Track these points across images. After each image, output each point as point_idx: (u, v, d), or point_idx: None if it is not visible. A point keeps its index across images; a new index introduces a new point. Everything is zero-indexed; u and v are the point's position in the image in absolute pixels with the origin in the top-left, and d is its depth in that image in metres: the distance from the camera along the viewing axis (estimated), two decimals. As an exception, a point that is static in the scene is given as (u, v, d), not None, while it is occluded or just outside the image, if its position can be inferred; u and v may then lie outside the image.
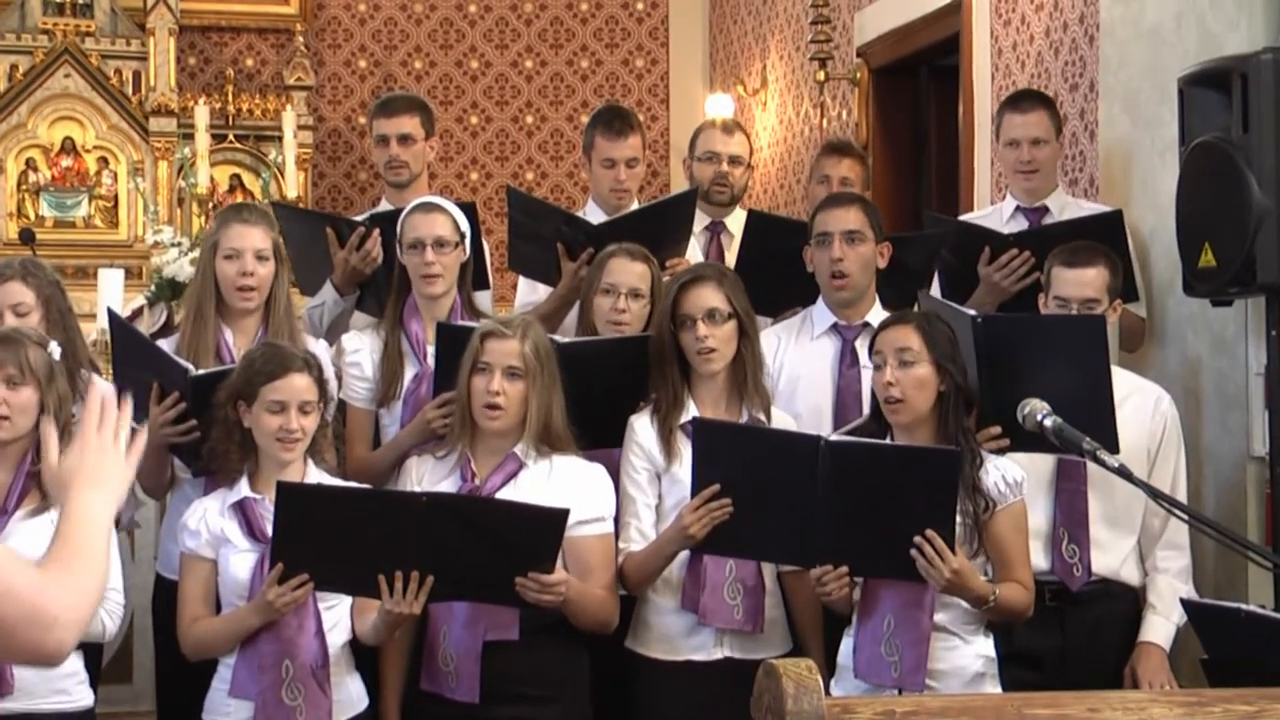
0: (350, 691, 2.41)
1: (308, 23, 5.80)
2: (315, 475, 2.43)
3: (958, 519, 2.26)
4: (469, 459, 2.46)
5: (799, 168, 5.09)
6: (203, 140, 5.22)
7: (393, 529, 2.26)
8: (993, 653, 2.35)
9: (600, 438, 2.57)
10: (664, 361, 2.55)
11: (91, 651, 2.47)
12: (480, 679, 2.36)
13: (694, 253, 3.24)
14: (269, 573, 2.28)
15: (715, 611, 2.46)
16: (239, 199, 5.31)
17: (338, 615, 2.38)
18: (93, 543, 1.41)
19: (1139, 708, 1.60)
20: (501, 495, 2.40)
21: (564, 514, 2.28)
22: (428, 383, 2.73)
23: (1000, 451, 2.40)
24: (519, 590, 2.29)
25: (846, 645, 2.35)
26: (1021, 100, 3.17)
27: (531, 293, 3.17)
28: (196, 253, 3.37)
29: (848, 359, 2.78)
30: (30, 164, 5.34)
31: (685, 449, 2.46)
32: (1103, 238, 2.74)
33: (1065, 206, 3.13)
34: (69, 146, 5.36)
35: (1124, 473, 2.10)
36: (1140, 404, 2.63)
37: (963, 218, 3.42)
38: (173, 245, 4.60)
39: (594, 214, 3.24)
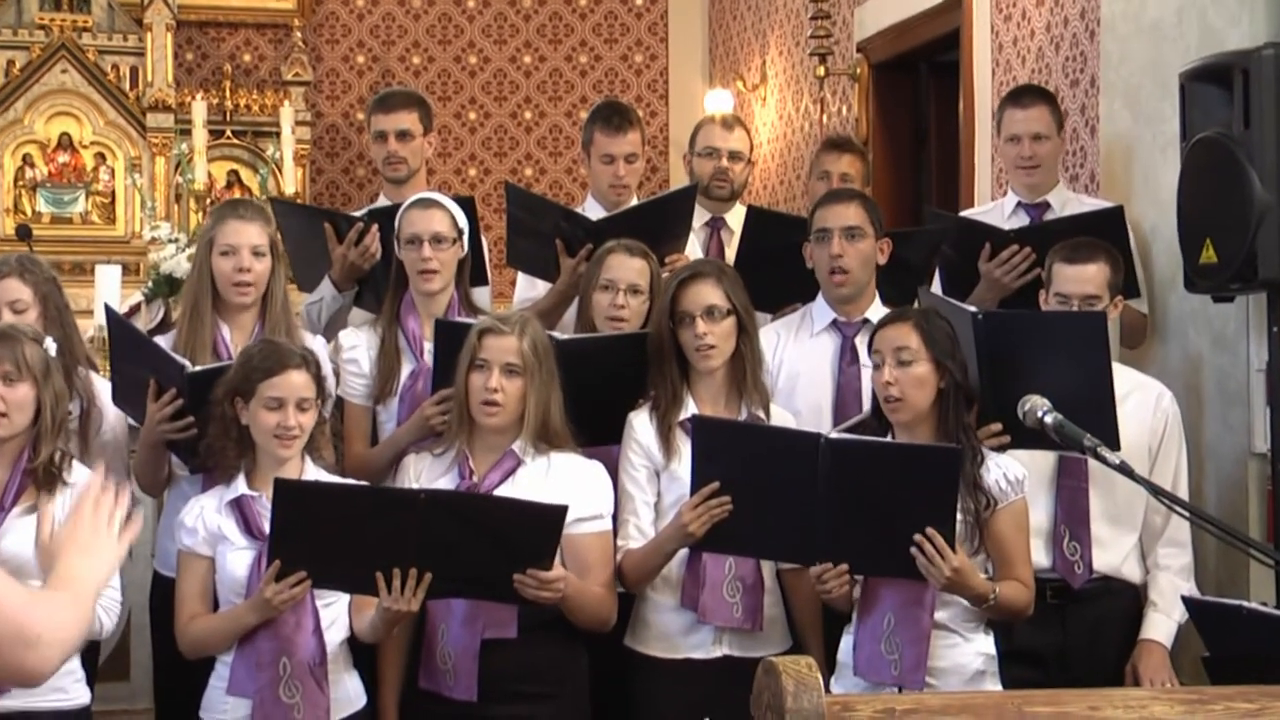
0: (348, 689, 2.40)
1: (305, 18, 5.79)
2: (313, 472, 2.42)
3: (958, 517, 2.25)
4: (467, 456, 2.45)
5: (799, 163, 5.08)
6: (200, 136, 5.21)
7: (391, 526, 2.26)
8: (993, 650, 2.34)
9: (599, 435, 2.56)
10: (663, 358, 2.54)
11: (88, 649, 2.46)
12: (478, 677, 2.35)
13: (694, 249, 3.23)
14: (266, 570, 2.27)
15: (714, 609, 2.45)
16: (237, 195, 5.30)
17: (335, 613, 2.38)
18: (79, 590, 1.42)
19: (1140, 705, 1.59)
20: (499, 492, 2.39)
21: (563, 510, 2.27)
22: (424, 379, 2.72)
23: (1001, 448, 2.39)
24: (517, 587, 2.28)
25: (846, 643, 2.35)
26: (1023, 96, 3.16)
27: (530, 289, 3.16)
28: (194, 249, 3.36)
29: (847, 356, 2.77)
30: (27, 160, 5.33)
31: (684, 446, 2.46)
32: (1104, 234, 2.73)
33: (1067, 202, 3.12)
34: (66, 142, 5.35)
35: (1125, 470, 2.09)
36: (1141, 401, 2.62)
37: (964, 213, 3.41)
38: (170, 241, 4.59)
39: (593, 210, 3.23)
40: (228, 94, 5.52)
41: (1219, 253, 2.61)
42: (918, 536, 2.19)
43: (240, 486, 2.40)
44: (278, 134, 5.35)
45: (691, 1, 6.05)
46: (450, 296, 2.81)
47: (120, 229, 5.38)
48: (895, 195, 4.45)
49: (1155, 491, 2.14)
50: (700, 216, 3.44)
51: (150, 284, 4.53)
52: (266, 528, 2.31)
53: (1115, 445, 2.26)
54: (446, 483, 2.43)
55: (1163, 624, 2.58)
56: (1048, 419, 2.21)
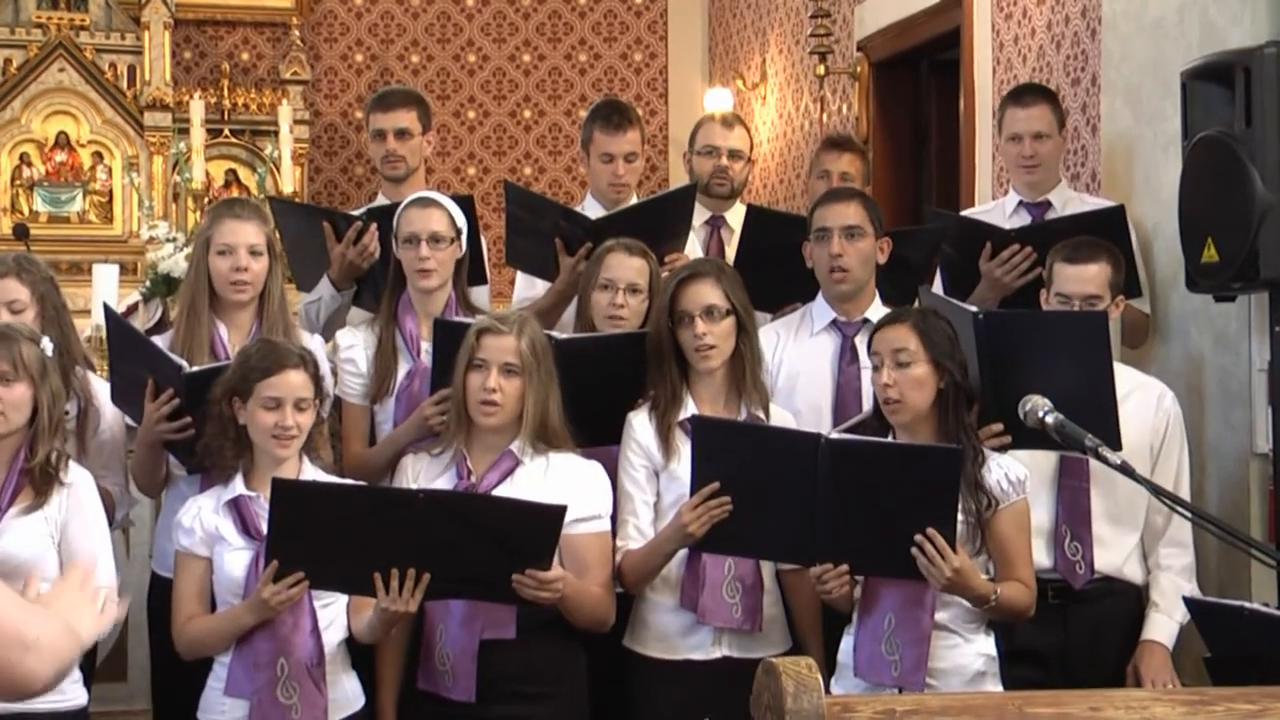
0: (346, 690, 2.40)
1: (304, 16, 5.78)
2: (311, 472, 2.42)
3: (959, 517, 2.24)
4: (465, 456, 2.44)
5: (799, 163, 5.07)
6: (198, 135, 5.20)
7: (389, 526, 2.25)
8: (994, 651, 2.33)
9: (598, 435, 2.55)
10: (662, 358, 2.54)
11: (86, 650, 2.44)
12: (477, 677, 2.34)
13: (694, 248, 3.22)
14: (264, 571, 2.26)
15: (713, 610, 2.45)
16: (235, 194, 5.29)
17: (333, 613, 2.37)
18: (70, 621, 1.42)
19: (1141, 706, 1.58)
20: (498, 493, 2.38)
21: (561, 510, 2.27)
22: (420, 379, 2.71)
23: (1002, 449, 2.38)
24: (516, 587, 2.27)
25: (847, 644, 2.34)
26: (1024, 94, 3.15)
27: (529, 288, 3.15)
28: (191, 248, 3.35)
29: (847, 355, 2.77)
30: (24, 159, 5.32)
31: (684, 446, 2.45)
32: (1105, 233, 2.73)
33: (1068, 201, 3.12)
34: (63, 141, 5.34)
35: (1126, 470, 2.08)
36: (1143, 400, 2.62)
37: (965, 213, 3.41)
38: (168, 241, 4.58)
39: (592, 209, 3.22)
40: (226, 93, 5.51)
41: (1220, 252, 2.61)
42: (918, 537, 2.18)
43: (238, 487, 2.39)
44: (276, 133, 5.34)
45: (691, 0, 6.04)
46: (448, 296, 2.80)
47: (118, 228, 5.37)
48: (896, 194, 4.44)
49: (1157, 491, 2.13)
50: (700, 215, 3.43)
51: (148, 283, 4.53)
52: (264, 528, 2.30)
53: (1117, 445, 2.25)
54: (444, 483, 2.43)
55: (1164, 624, 2.57)
56: (1049, 419, 2.20)
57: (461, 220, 2.82)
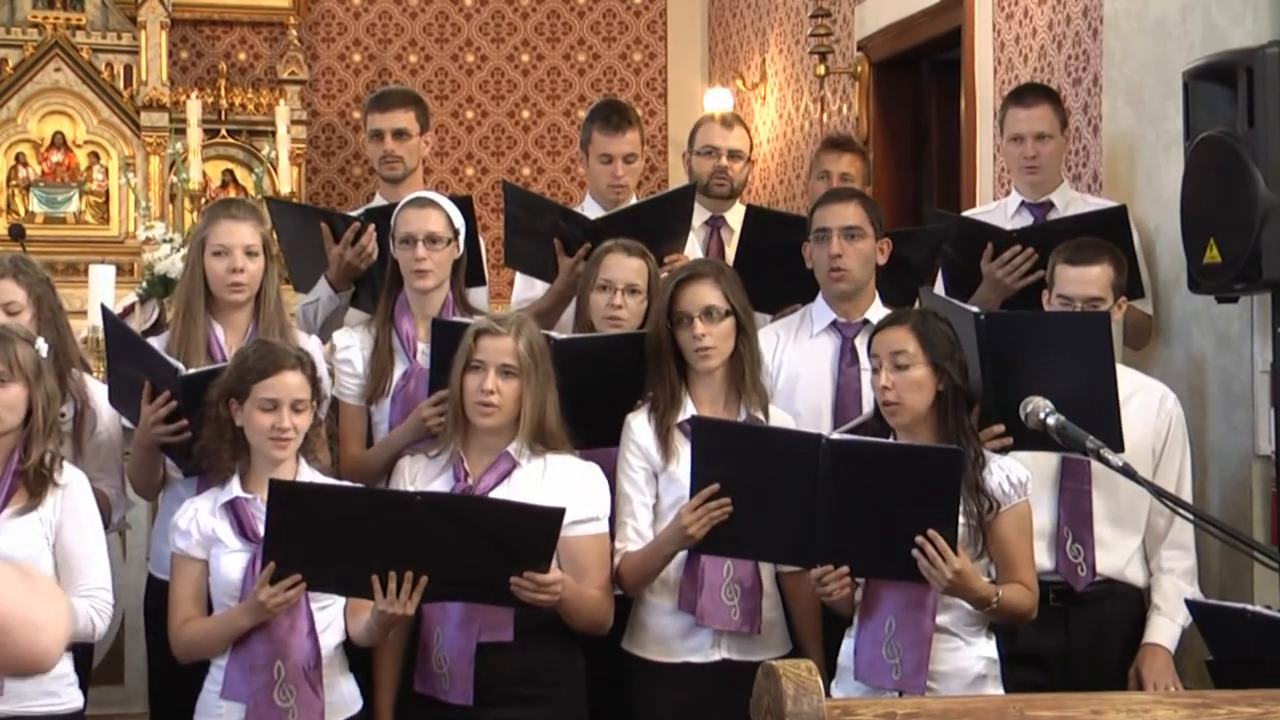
0: (343, 693, 2.38)
1: (301, 16, 5.77)
2: (308, 474, 2.40)
3: (961, 520, 2.23)
4: (462, 458, 2.43)
5: (799, 163, 5.06)
6: (195, 135, 5.19)
7: (386, 528, 2.24)
8: (995, 654, 2.33)
9: (597, 436, 2.54)
10: (661, 359, 2.53)
11: (82, 653, 2.45)
12: (474, 680, 2.33)
13: (694, 248, 3.22)
14: (261, 573, 2.24)
15: (712, 613, 2.44)
16: (232, 194, 5.28)
17: (331, 616, 2.36)
18: (65, 599, 1.43)
19: (1143, 709, 1.58)
20: (495, 495, 2.37)
21: (560, 513, 2.25)
22: (416, 380, 2.70)
23: (1004, 450, 2.37)
24: (514, 590, 2.26)
25: (847, 646, 2.33)
26: (1026, 94, 3.14)
27: (528, 289, 3.14)
28: (187, 249, 3.34)
29: (847, 357, 2.76)
30: (20, 159, 5.31)
31: (683, 448, 2.44)
32: (1107, 233, 2.72)
33: (1070, 202, 3.11)
34: (59, 141, 5.33)
35: (1128, 472, 2.07)
36: (1145, 402, 2.61)
37: (967, 213, 3.40)
38: (164, 241, 4.57)
39: (591, 209, 3.20)
40: (223, 93, 5.50)
41: (1223, 253, 2.60)
42: (919, 538, 2.17)
43: (235, 489, 2.38)
44: (273, 133, 5.33)
45: (691, -1, 6.04)
46: (445, 297, 2.79)
47: (114, 229, 5.36)
48: (896, 195, 4.43)
49: (1158, 494, 2.12)
50: (700, 215, 3.42)
51: (144, 284, 4.52)
52: (261, 530, 2.29)
53: (1119, 447, 2.24)
54: (441, 485, 2.41)
55: (1166, 627, 2.56)
56: (1050, 421, 2.19)
57: (459, 221, 2.81)
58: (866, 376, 2.55)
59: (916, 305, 2.72)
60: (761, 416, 2.53)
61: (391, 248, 2.81)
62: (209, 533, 2.36)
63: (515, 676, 2.36)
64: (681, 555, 2.43)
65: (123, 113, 5.33)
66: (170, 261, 4.37)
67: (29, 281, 2.66)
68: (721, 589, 2.43)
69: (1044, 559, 2.51)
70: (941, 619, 2.26)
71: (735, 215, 3.42)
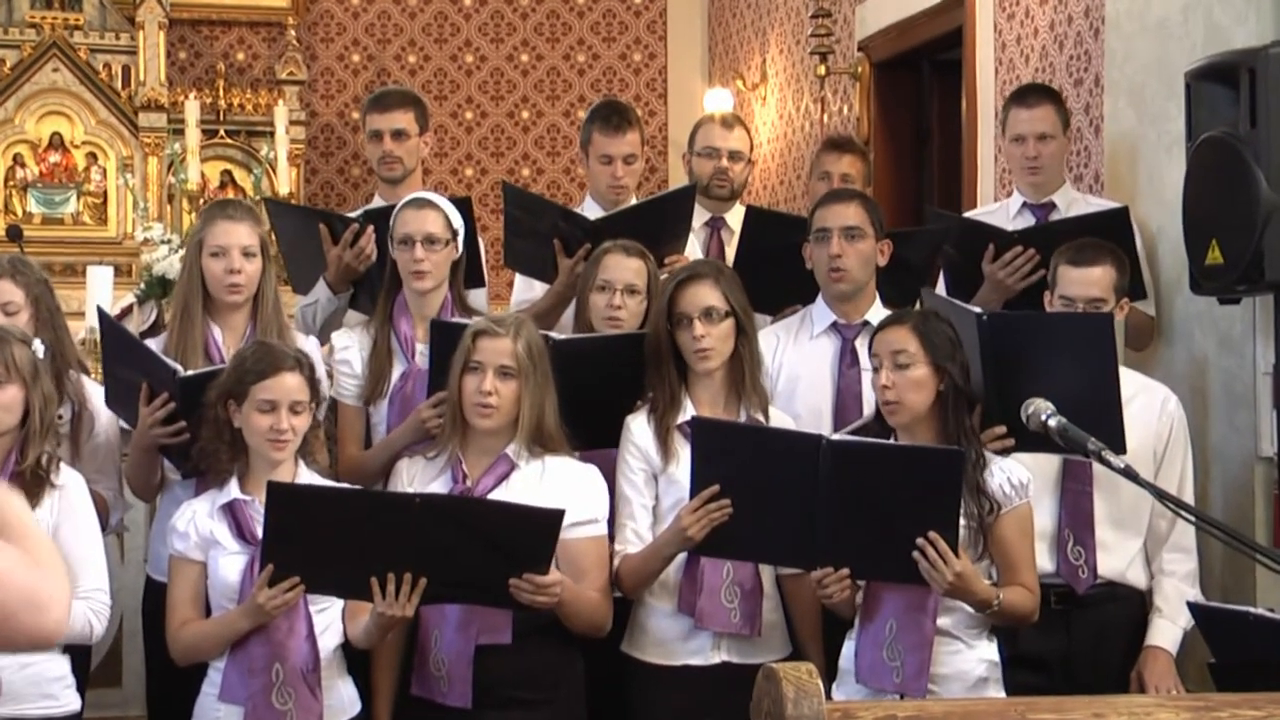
0: (342, 696, 2.38)
1: (300, 16, 5.76)
2: (306, 476, 2.40)
3: (962, 521, 2.22)
4: (460, 460, 2.42)
5: (799, 163, 5.05)
6: (193, 135, 5.18)
7: (385, 530, 2.23)
8: (996, 657, 2.32)
9: (596, 437, 2.53)
10: (660, 360, 2.52)
11: (80, 655, 2.44)
12: (472, 683, 2.32)
13: (694, 249, 3.21)
14: (259, 575, 2.24)
15: (712, 615, 2.43)
16: (230, 195, 5.27)
17: (329, 618, 2.35)
18: (32, 527, 1.42)
19: (1145, 713, 1.57)
20: (493, 497, 2.36)
21: (559, 514, 2.25)
22: (414, 381, 2.70)
23: (1005, 452, 2.36)
24: (513, 592, 2.25)
25: (848, 649, 2.32)
26: (1028, 95, 3.14)
27: (528, 290, 3.14)
28: (184, 250, 3.32)
29: (847, 358, 2.75)
30: (18, 159, 5.30)
31: (682, 449, 2.43)
32: (1109, 234, 2.71)
33: (1073, 202, 3.10)
34: (57, 142, 5.32)
35: (1130, 474, 2.06)
36: (1147, 404, 2.60)
37: (968, 214, 3.39)
38: (163, 242, 4.56)
39: (591, 210, 3.20)
40: (221, 93, 5.49)
41: (1225, 254, 2.59)
42: (920, 540, 2.16)
43: (233, 490, 2.37)
44: (272, 134, 5.32)
45: (691, -1, 6.03)
46: (444, 298, 2.78)
47: (112, 230, 5.35)
48: (897, 196, 4.42)
49: (1160, 496, 2.11)
50: (700, 216, 3.41)
51: (143, 285, 4.51)
52: (259, 532, 2.28)
53: (1122, 448, 2.23)
54: (439, 486, 2.41)
55: (1168, 630, 2.56)
56: (1051, 422, 2.18)
57: (458, 221, 2.80)
58: (867, 378, 2.55)
59: (918, 306, 2.71)
60: (761, 418, 2.52)
61: (390, 249, 2.80)
62: (207, 535, 2.36)
63: (514, 679, 2.35)
64: (681, 557, 2.42)
65: (121, 113, 5.32)
66: (168, 262, 4.36)
67: (27, 282, 2.66)
68: (721, 591, 2.42)
69: (1045, 561, 2.50)
70: (942, 621, 2.25)
71: (735, 216, 3.41)
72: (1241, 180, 2.53)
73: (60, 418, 2.50)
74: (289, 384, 2.35)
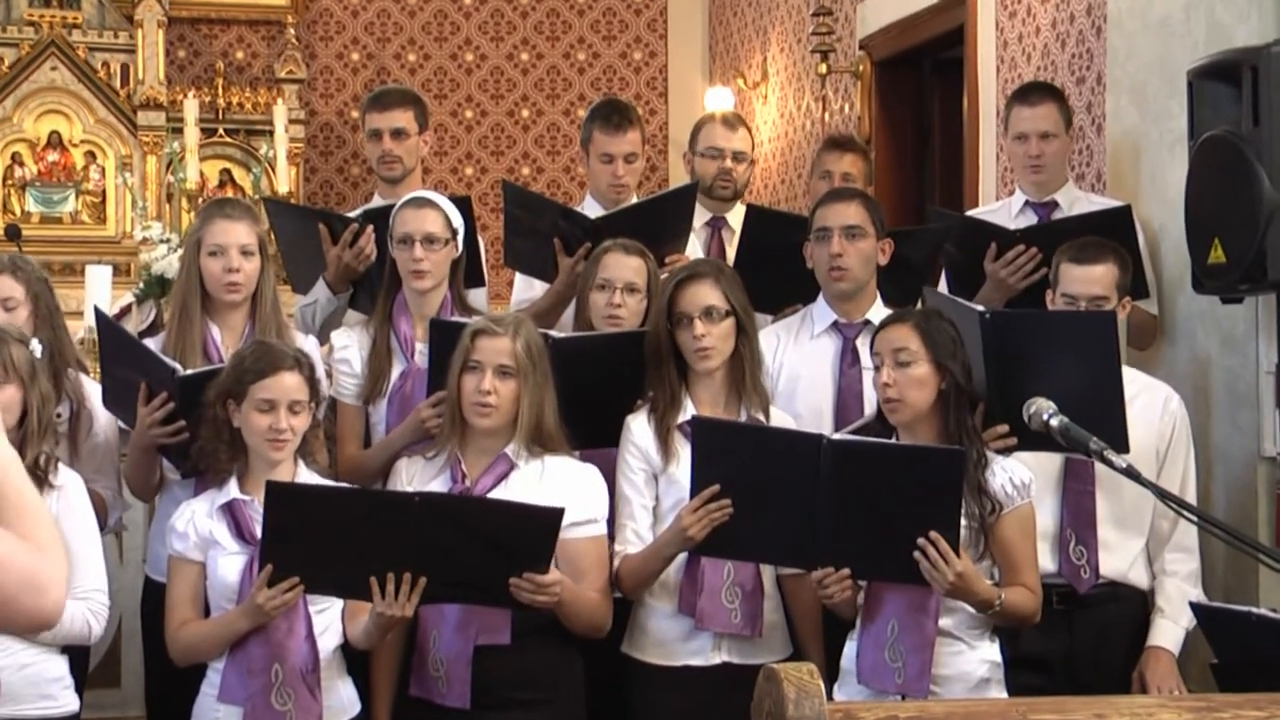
0: (341, 696, 2.37)
1: (299, 15, 5.75)
2: (305, 476, 2.39)
3: (963, 521, 2.22)
4: (459, 459, 2.41)
5: (800, 162, 5.05)
6: (192, 134, 5.17)
7: (384, 530, 2.22)
8: (998, 657, 2.31)
9: (596, 436, 2.52)
10: (661, 360, 2.51)
11: (78, 655, 2.43)
12: (471, 684, 2.32)
13: (694, 248, 3.20)
14: (258, 575, 2.23)
15: (712, 615, 2.42)
16: (229, 194, 5.26)
17: (329, 619, 2.35)
18: (32, 502, 1.42)
19: (1147, 713, 1.56)
20: (492, 496, 2.35)
21: (559, 514, 2.24)
22: (413, 380, 2.69)
23: (1007, 451, 2.35)
24: (513, 591, 2.24)
25: (849, 649, 2.32)
26: (1030, 93, 3.13)
27: (528, 289, 3.13)
28: (183, 249, 3.31)
29: (848, 358, 2.74)
30: (16, 158, 5.29)
31: (683, 449, 2.43)
32: (1112, 233, 2.71)
33: (1075, 201, 3.10)
34: (56, 141, 5.31)
35: (1132, 473, 2.05)
36: (1149, 403, 2.60)
37: (971, 213, 3.39)
38: (161, 241, 4.55)
39: (592, 209, 3.19)
40: (220, 92, 5.48)
41: (1228, 252, 2.59)
42: (921, 540, 2.15)
43: (232, 490, 2.36)
44: (271, 132, 5.31)
45: (691, -2, 6.02)
46: (443, 297, 2.77)
47: (111, 229, 5.34)
48: (898, 194, 4.42)
49: (1162, 495, 2.10)
50: (701, 216, 3.41)
51: (141, 285, 4.50)
52: (258, 532, 2.27)
53: (1124, 447, 2.23)
54: (438, 486, 2.40)
55: (1170, 630, 2.55)
56: (1053, 422, 2.17)
57: (458, 221, 2.79)
58: (868, 377, 2.54)
59: (919, 305, 2.71)
60: (762, 418, 2.51)
61: (390, 248, 2.80)
62: (206, 535, 2.35)
63: (513, 680, 2.34)
64: (681, 557, 2.41)
65: (119, 112, 5.31)
66: (167, 261, 4.36)
67: (27, 278, 2.66)
68: (722, 591, 2.42)
69: (1047, 561, 2.49)
70: (944, 622, 2.25)
71: (736, 216, 3.40)
72: (1244, 179, 2.52)
73: (59, 416, 2.49)
74: (288, 383, 2.34)
